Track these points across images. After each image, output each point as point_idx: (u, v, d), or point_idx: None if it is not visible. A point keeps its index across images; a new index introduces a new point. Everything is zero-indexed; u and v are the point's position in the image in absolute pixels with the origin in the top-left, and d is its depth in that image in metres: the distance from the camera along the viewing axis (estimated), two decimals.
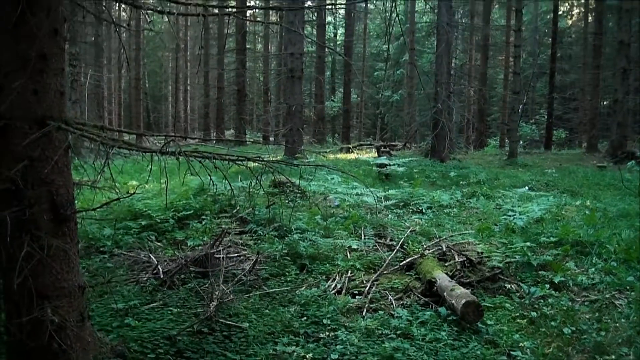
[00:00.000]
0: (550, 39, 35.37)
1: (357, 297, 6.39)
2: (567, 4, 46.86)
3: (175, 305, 5.69)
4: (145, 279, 6.43)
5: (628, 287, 6.67)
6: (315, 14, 34.66)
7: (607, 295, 6.47)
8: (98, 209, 4.50)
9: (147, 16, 4.27)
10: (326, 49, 32.95)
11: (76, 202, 4.32)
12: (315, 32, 36.21)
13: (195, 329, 4.98)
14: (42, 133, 3.75)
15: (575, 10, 47.34)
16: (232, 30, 37.74)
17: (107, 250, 7.48)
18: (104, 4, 4.39)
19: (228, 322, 5.21)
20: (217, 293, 5.51)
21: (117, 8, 35.53)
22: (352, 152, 26.58)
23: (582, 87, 37.55)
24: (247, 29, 38.38)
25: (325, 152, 25.66)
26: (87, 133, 4.01)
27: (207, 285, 5.99)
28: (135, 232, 8.13)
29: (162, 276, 6.40)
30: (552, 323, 5.73)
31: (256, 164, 4.66)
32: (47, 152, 3.82)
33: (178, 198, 9.51)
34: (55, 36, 3.88)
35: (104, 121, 33.67)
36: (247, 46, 39.38)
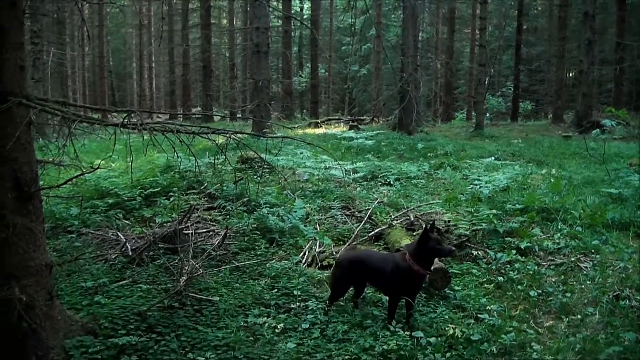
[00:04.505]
0: (516, 12, 35.54)
1: (327, 268, 6.44)
2: None
3: (145, 282, 5.67)
4: (113, 257, 6.38)
5: (593, 251, 6.85)
6: None
7: (573, 259, 6.64)
8: (63, 185, 4.44)
9: None
10: (292, 22, 32.66)
11: (42, 182, 4.26)
12: (281, 7, 35.80)
13: (166, 304, 4.96)
14: (2, 109, 3.67)
15: None
16: (196, 5, 37.12)
17: (75, 229, 7.38)
18: None
19: (198, 297, 5.21)
20: (186, 268, 5.49)
21: None
22: (321, 126, 26.51)
23: (548, 58, 37.92)
24: (212, 4, 37.78)
25: (294, 127, 25.56)
26: (48, 108, 3.94)
27: (176, 261, 5.98)
28: (103, 211, 8.03)
29: (130, 254, 6.36)
30: (519, 287, 5.86)
31: (223, 140, 4.63)
32: (8, 129, 3.74)
33: (145, 175, 9.42)
34: (13, 8, 3.78)
35: (69, 100, 32.91)
36: (212, 21, 38.85)
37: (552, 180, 10.64)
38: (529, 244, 6.93)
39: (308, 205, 8.84)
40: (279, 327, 4.77)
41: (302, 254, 6.86)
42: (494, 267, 6.44)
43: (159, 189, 9.02)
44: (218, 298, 5.27)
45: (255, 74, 21.13)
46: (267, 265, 6.36)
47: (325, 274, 6.18)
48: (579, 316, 5.21)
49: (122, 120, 3.75)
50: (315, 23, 36.45)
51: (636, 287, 5.60)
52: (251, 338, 4.58)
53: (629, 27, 31.98)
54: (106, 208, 8.15)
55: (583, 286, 5.90)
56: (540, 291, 5.76)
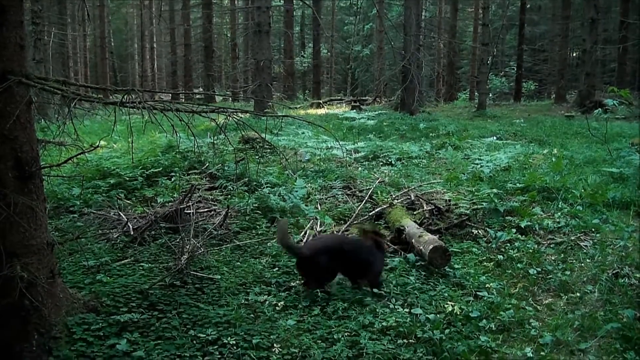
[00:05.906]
0: None
1: None
2: None
3: (147, 261, 5.71)
4: (115, 236, 6.41)
5: (593, 230, 6.87)
6: None
7: (573, 238, 6.65)
8: (64, 164, 4.45)
9: None
10: (294, 1, 32.42)
11: (43, 162, 4.27)
12: None
13: (167, 282, 5.00)
14: (2, 88, 3.67)
15: None
16: None
17: (77, 209, 7.41)
18: None
19: (200, 275, 5.24)
20: (188, 247, 5.52)
21: None
22: (323, 107, 26.48)
23: (552, 38, 37.70)
24: None
25: (296, 107, 25.52)
26: (48, 87, 3.93)
27: (177, 240, 6.01)
28: (104, 191, 8.05)
29: (132, 233, 6.39)
30: (518, 265, 5.88)
31: (223, 119, 4.61)
32: (8, 108, 3.73)
33: (146, 155, 9.43)
34: None
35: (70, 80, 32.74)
36: (213, 0, 38.57)
37: (553, 159, 10.64)
38: (529, 223, 6.95)
39: (309, 184, 8.86)
40: (279, 304, 4.80)
41: (302, 233, 6.88)
42: (494, 245, 6.46)
43: (161, 169, 9.04)
44: (219, 276, 5.30)
45: (257, 54, 21.07)
46: (268, 244, 6.39)
47: None
48: (578, 294, 5.23)
49: (121, 98, 3.74)
50: (317, 2, 36.15)
51: (635, 265, 5.62)
52: (252, 315, 4.61)
53: (634, 6, 31.67)
54: (108, 188, 8.17)
55: (582, 264, 5.92)
56: (539, 269, 5.78)
